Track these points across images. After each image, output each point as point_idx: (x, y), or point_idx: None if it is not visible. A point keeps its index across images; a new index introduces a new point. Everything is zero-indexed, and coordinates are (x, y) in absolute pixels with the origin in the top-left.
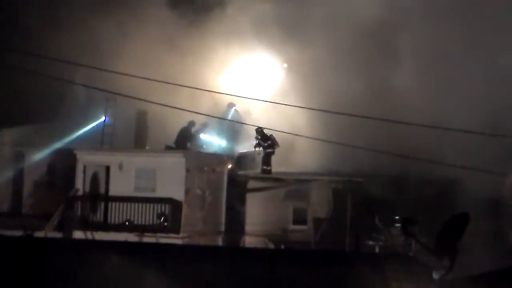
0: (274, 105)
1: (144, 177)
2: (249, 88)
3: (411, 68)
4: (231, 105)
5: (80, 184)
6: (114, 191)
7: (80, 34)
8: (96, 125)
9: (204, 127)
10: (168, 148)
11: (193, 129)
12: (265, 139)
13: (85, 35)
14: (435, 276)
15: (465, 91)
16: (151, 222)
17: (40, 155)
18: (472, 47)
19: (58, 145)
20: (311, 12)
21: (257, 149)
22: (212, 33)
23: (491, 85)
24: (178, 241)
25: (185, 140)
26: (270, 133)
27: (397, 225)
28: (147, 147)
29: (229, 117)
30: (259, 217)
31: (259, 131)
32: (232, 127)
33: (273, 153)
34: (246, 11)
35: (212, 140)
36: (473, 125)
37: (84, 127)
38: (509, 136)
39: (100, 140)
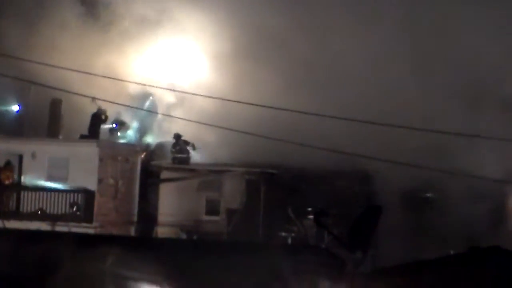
0: (189, 95)
1: (57, 166)
2: (166, 77)
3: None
4: (147, 95)
5: None
6: (26, 180)
7: None
8: (10, 113)
9: (118, 117)
10: (83, 138)
11: (105, 117)
12: (176, 145)
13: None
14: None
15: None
16: (63, 211)
17: None
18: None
19: None
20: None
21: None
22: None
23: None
24: (91, 231)
25: (96, 127)
26: (187, 140)
27: (310, 216)
28: (60, 137)
29: (146, 107)
30: (172, 208)
31: (176, 136)
32: (147, 117)
33: (185, 159)
34: None
35: (126, 130)
36: (388, 117)
37: None
38: (424, 129)
39: (13, 129)
